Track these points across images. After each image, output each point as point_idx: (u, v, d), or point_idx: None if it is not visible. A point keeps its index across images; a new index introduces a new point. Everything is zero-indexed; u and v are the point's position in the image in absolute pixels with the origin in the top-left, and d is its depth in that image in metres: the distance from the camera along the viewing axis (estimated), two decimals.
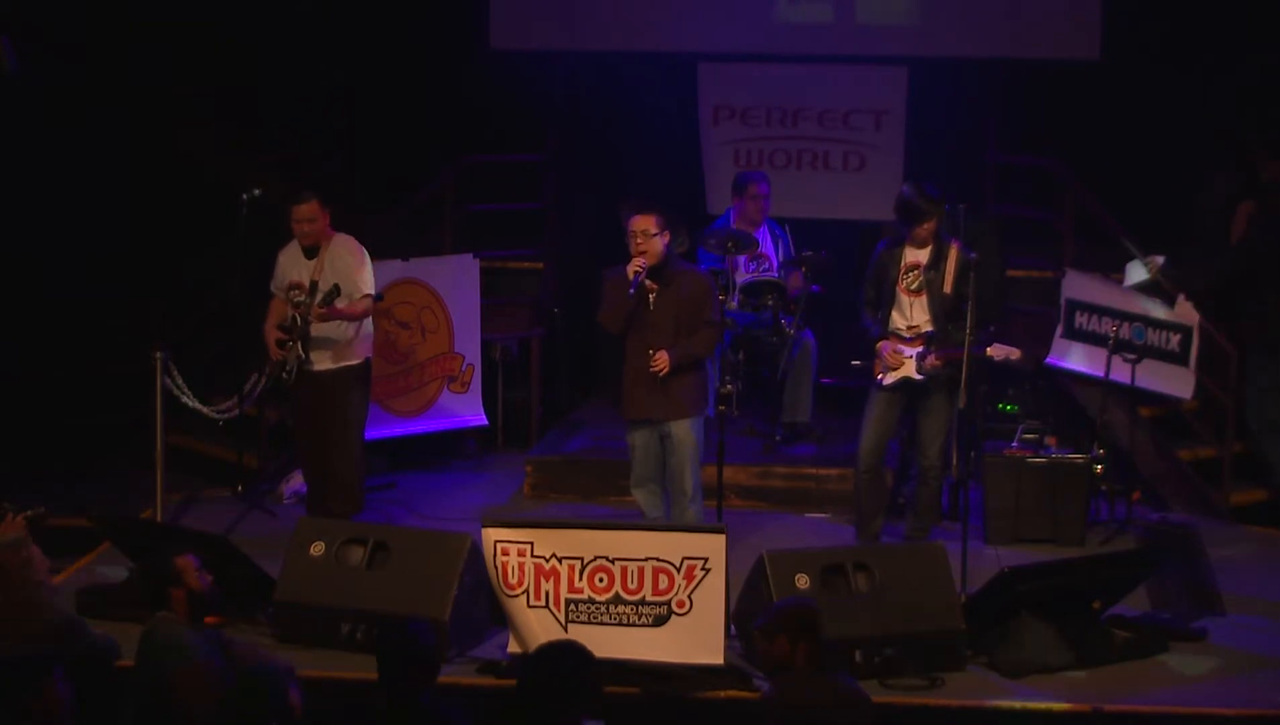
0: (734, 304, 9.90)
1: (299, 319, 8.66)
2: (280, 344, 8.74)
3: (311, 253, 8.76)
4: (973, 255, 8.31)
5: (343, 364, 8.76)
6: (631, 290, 8.16)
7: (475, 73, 11.48)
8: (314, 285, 8.68)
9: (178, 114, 11.58)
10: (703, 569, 7.21)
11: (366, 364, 8.92)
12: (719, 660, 7.17)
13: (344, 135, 11.89)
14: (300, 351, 8.67)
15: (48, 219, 10.74)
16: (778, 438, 10.22)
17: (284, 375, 8.75)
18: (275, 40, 11.41)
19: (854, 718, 5.84)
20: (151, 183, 11.18)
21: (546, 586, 7.32)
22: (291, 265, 8.83)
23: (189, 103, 11.61)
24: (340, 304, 8.63)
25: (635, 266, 8.15)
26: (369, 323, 8.90)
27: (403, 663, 5.68)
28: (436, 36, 11.60)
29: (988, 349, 8.36)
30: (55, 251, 10.73)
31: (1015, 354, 8.46)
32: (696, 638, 7.19)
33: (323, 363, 8.74)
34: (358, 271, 8.73)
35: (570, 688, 5.36)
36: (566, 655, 5.51)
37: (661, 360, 8.19)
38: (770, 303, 9.97)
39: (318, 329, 8.66)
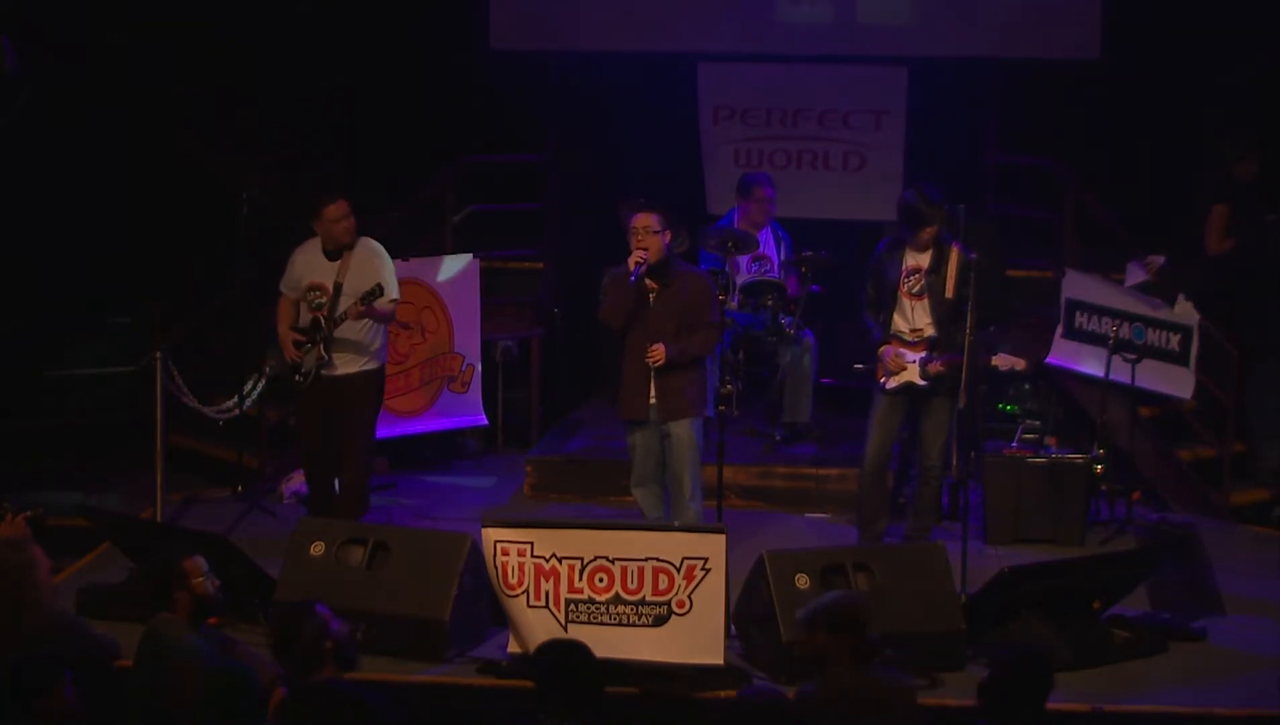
0: (734, 304, 9.89)
1: (322, 321, 8.58)
2: (298, 346, 8.69)
3: (334, 255, 8.69)
4: (973, 256, 8.31)
5: (363, 368, 8.70)
6: (632, 279, 8.15)
7: (475, 73, 11.48)
8: (338, 287, 8.59)
9: (178, 114, 11.58)
10: (703, 569, 7.21)
11: (383, 370, 8.89)
12: (719, 660, 7.17)
13: (344, 135, 11.89)
14: (323, 353, 8.60)
15: (48, 219, 10.74)
16: (778, 438, 10.22)
17: (297, 378, 8.69)
18: (275, 40, 11.40)
19: (898, 711, 5.83)
20: (151, 183, 11.18)
21: (546, 586, 7.32)
22: (311, 266, 8.70)
23: (189, 103, 11.62)
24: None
25: (636, 258, 8.15)
26: (386, 328, 8.87)
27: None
28: (436, 36, 11.59)
29: (993, 359, 8.37)
30: (55, 251, 10.73)
31: (1020, 364, 8.48)
32: (696, 638, 7.19)
33: (345, 367, 8.66)
34: (387, 275, 8.67)
35: (571, 687, 5.34)
36: (568, 654, 5.50)
37: (659, 351, 8.19)
38: (770, 303, 9.97)
39: (343, 331, 8.60)
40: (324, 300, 8.62)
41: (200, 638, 6.24)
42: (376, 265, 8.64)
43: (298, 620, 5.75)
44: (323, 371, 8.62)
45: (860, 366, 8.89)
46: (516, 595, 7.34)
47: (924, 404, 8.57)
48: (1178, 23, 10.80)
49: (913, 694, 5.97)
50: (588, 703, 5.39)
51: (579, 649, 5.54)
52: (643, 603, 7.25)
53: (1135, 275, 9.99)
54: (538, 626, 7.27)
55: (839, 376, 10.46)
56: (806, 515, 9.65)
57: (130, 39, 11.07)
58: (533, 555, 7.33)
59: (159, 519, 9.06)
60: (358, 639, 7.31)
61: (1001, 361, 8.37)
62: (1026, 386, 9.76)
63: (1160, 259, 9.88)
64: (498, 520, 7.53)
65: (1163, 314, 9.55)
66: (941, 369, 8.39)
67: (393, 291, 8.64)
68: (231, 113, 11.78)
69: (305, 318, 8.70)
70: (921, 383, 8.46)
